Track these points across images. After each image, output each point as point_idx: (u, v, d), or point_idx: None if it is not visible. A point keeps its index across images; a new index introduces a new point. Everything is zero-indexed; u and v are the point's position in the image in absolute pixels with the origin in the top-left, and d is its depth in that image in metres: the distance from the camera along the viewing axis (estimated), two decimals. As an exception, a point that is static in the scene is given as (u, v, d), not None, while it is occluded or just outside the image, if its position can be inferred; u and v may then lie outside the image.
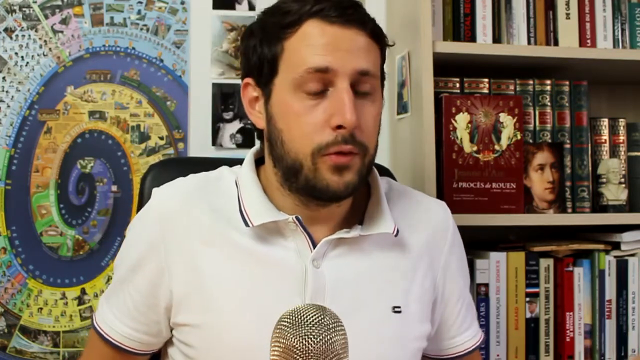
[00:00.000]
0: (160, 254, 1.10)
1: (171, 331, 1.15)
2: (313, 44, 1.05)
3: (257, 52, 1.10)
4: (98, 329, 1.16)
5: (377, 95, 1.11)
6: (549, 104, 1.79)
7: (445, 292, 1.21)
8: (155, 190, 1.16)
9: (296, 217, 1.09)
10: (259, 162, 1.18)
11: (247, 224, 1.08)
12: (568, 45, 1.78)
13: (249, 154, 1.18)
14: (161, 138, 1.87)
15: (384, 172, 1.46)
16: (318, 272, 1.09)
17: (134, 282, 1.13)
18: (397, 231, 1.13)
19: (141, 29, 1.88)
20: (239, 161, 1.21)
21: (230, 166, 1.21)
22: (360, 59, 1.06)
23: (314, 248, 1.09)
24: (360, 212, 1.16)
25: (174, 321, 1.12)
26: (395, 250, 1.15)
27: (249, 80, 1.13)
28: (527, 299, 1.70)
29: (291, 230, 1.10)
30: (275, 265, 1.09)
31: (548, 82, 1.79)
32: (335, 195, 1.07)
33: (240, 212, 1.10)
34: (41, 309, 1.80)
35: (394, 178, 1.43)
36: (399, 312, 1.12)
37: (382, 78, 1.15)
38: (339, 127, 1.04)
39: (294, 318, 0.81)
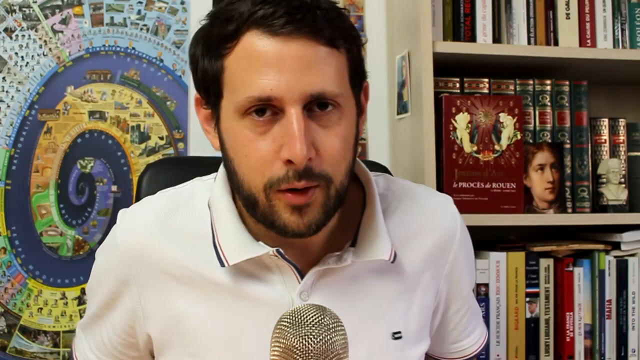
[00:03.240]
0: (133, 292, 1.02)
1: None
2: (253, 64, 0.90)
3: (201, 67, 0.96)
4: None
5: (346, 109, 0.94)
6: (549, 104, 1.79)
7: (448, 299, 1.12)
8: (120, 215, 1.06)
9: (277, 251, 0.96)
10: None
11: (222, 264, 0.97)
12: (568, 45, 1.79)
13: (221, 168, 1.04)
14: (161, 138, 1.87)
15: (384, 171, 1.45)
16: None
17: (111, 318, 1.06)
18: (395, 255, 1.00)
19: (141, 29, 1.88)
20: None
21: None
22: (312, 78, 0.89)
23: (302, 278, 0.98)
24: (353, 226, 1.02)
25: None
26: (392, 273, 1.03)
27: (199, 96, 1.01)
28: (527, 299, 1.70)
29: (274, 262, 0.98)
30: (260, 303, 0.98)
31: (548, 82, 1.79)
32: (296, 235, 0.94)
33: (214, 246, 0.99)
34: (41, 309, 1.80)
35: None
36: (400, 337, 1.02)
37: (356, 84, 0.98)
38: (290, 161, 0.89)
39: (294, 318, 0.81)
